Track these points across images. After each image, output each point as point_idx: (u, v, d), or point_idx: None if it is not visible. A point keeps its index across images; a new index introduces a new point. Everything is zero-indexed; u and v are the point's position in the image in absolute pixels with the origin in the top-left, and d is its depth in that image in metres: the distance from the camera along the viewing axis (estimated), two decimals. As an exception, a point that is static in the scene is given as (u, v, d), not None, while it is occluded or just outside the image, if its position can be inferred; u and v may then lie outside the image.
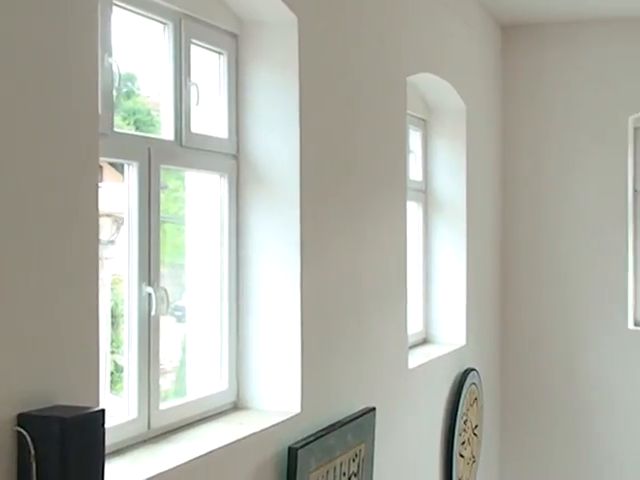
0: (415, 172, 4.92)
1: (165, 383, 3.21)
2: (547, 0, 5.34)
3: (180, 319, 3.30)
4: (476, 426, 5.12)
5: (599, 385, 5.72)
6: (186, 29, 2.81)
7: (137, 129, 2.88)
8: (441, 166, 5.08)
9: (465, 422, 4.90)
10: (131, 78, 2.80)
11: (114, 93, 2.44)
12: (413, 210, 4.89)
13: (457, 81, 4.91)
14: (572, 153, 5.76)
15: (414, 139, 4.92)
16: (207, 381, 3.05)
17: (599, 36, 5.72)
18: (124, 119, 2.78)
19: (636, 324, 5.78)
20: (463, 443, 4.89)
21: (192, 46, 2.86)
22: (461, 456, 4.85)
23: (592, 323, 5.72)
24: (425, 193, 5.08)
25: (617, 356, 5.68)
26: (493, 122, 5.75)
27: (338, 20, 3.43)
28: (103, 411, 1.94)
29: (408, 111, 4.38)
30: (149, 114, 3.03)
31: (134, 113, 2.93)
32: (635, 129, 5.80)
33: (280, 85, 3.09)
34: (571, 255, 5.76)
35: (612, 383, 5.70)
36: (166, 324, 3.23)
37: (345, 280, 3.49)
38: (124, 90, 2.66)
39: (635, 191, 5.80)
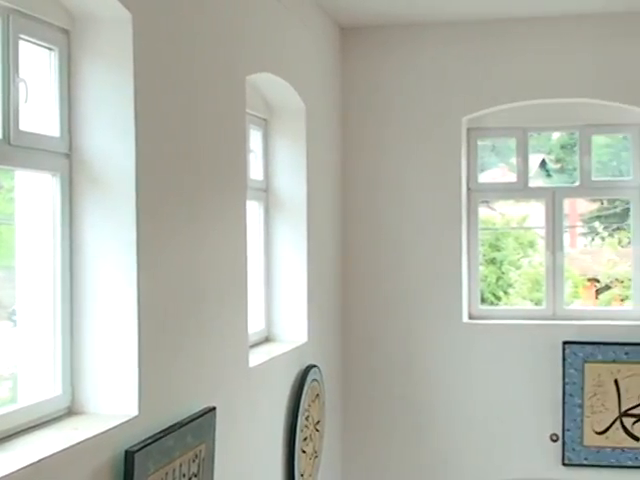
0: (256, 171, 4.94)
1: (2, 390, 3.10)
2: (385, 2, 5.47)
3: (17, 323, 3.18)
4: (318, 422, 5.20)
5: (437, 378, 5.91)
6: (14, 24, 2.71)
7: (-38, 127, 2.76)
8: (282, 165, 5.12)
9: (307, 418, 4.96)
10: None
11: None
12: (254, 209, 4.91)
13: (296, 81, 4.96)
14: (409, 153, 5.93)
15: (255, 138, 4.93)
16: (40, 387, 2.96)
17: (436, 39, 5.91)
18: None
19: (470, 317, 6.01)
20: (305, 439, 4.95)
21: (21, 42, 2.77)
22: (303, 452, 4.91)
23: (430, 318, 5.91)
24: (266, 192, 5.10)
25: (454, 349, 5.89)
26: (333, 122, 5.85)
27: (175, 18, 3.40)
28: None
29: (248, 110, 4.39)
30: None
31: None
32: (468, 129, 6.02)
33: (114, 83, 3.03)
34: (409, 252, 5.93)
35: (449, 376, 5.90)
36: (2, 329, 3.12)
37: (184, 280, 3.47)
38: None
39: (469, 189, 6.03)
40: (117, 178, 3.03)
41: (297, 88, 4.97)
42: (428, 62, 5.92)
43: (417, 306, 5.92)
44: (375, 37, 5.96)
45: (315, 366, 5.14)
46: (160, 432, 3.10)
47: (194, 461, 3.36)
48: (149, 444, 2.97)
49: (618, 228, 9.03)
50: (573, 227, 9.94)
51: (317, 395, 5.18)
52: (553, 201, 5.96)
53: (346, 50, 5.99)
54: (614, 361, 5.62)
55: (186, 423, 3.29)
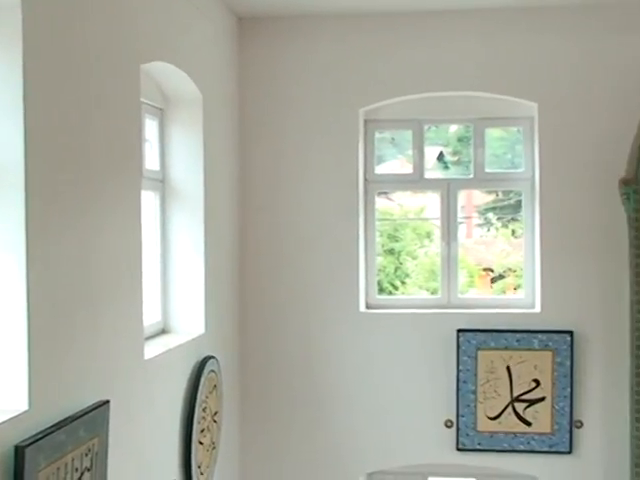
0: (152, 161, 4.89)
1: None
2: (282, -6, 5.48)
3: None
4: (215, 413, 5.18)
5: (335, 368, 5.96)
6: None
7: None
8: (178, 155, 5.07)
9: (204, 409, 4.94)
10: None
11: None
12: (150, 200, 4.85)
13: (193, 70, 4.92)
14: (307, 144, 5.96)
15: (150, 128, 4.88)
16: None
17: (333, 30, 5.94)
18: None
19: (368, 307, 6.08)
20: (203, 430, 4.93)
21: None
22: (200, 443, 4.89)
23: (327, 309, 5.96)
24: (163, 182, 5.05)
25: (351, 339, 5.95)
26: (231, 112, 5.83)
27: (66, 3, 3.33)
28: None
29: (143, 99, 4.34)
30: None
31: None
32: (366, 121, 6.08)
33: (1, 72, 2.95)
34: (307, 243, 5.96)
35: (347, 365, 5.96)
36: None
37: (77, 272, 3.40)
38: None
39: (366, 180, 6.09)
40: (4, 170, 2.95)
41: (193, 77, 4.93)
42: (326, 53, 5.95)
43: (315, 297, 5.96)
44: (273, 27, 5.96)
45: (213, 357, 5.12)
46: (51, 427, 3.05)
47: (87, 455, 3.31)
48: (40, 439, 2.92)
49: (513, 219, 9.25)
50: (469, 218, 10.13)
51: (215, 386, 5.17)
52: (448, 192, 6.09)
53: (244, 40, 5.97)
54: (506, 348, 5.78)
55: (78, 417, 3.24)
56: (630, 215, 5.58)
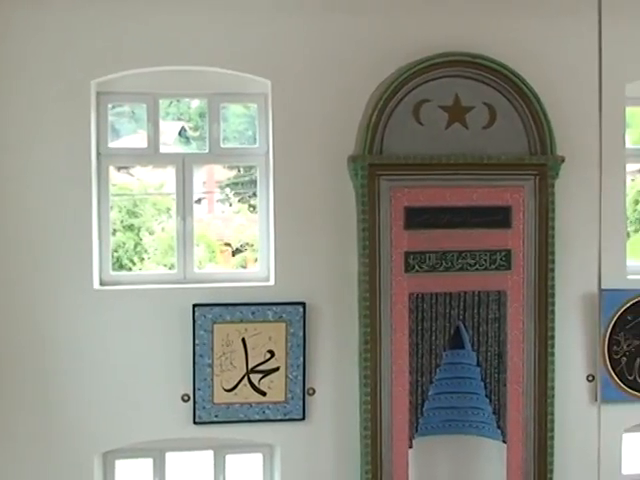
0: None
1: None
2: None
3: None
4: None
5: (68, 347, 5.80)
6: None
7: None
8: None
9: None
10: None
11: None
12: None
13: None
14: (36, 115, 5.72)
15: None
16: None
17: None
18: None
19: (102, 284, 5.96)
20: None
21: None
22: None
23: (59, 286, 5.77)
24: None
25: (85, 317, 5.81)
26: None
27: None
28: None
29: None
30: None
31: None
32: (98, 94, 5.92)
33: None
34: (35, 218, 5.73)
35: (81, 344, 5.81)
36: None
37: None
38: None
39: (99, 154, 5.95)
40: None
41: None
42: (57, 22, 5.70)
43: (45, 274, 5.75)
44: (-2, -7, 5.65)
45: None
46: None
47: None
48: None
49: (255, 194, 9.45)
50: (211, 193, 10.20)
51: None
52: (183, 167, 6.07)
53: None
54: (242, 321, 5.87)
55: None
56: (358, 191, 5.84)
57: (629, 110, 6.46)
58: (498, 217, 5.92)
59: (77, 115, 5.77)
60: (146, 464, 6.14)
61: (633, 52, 6.20)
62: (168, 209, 9.08)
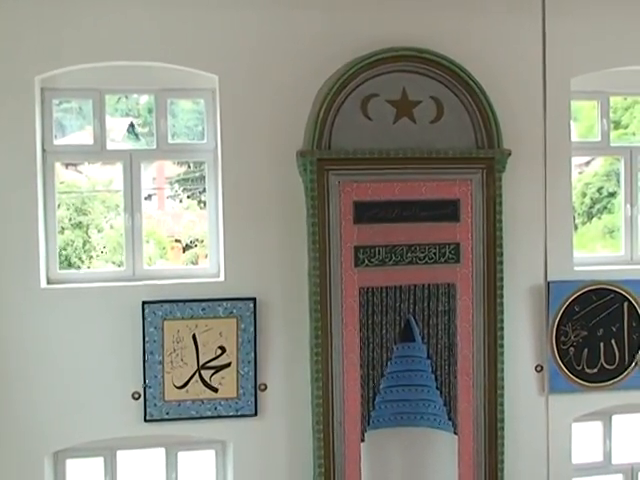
0: None
1: None
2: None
3: None
4: None
5: (14, 347, 5.71)
6: None
7: None
8: None
9: None
10: None
11: None
12: None
13: None
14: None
15: None
16: None
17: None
18: None
19: (49, 283, 5.89)
20: None
21: None
22: None
23: (5, 285, 5.69)
24: None
25: (31, 316, 5.73)
26: None
27: None
28: None
29: None
30: None
31: None
32: (43, 89, 5.84)
33: None
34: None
35: (28, 344, 5.73)
36: None
37: None
38: None
39: (44, 151, 5.87)
40: None
41: None
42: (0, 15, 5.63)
43: (-11, 274, 5.68)
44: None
45: None
46: None
47: None
48: None
49: (204, 190, 9.43)
50: (161, 189, 10.14)
51: None
52: (131, 164, 6.02)
53: None
54: (192, 317, 5.84)
55: None
56: (307, 186, 5.84)
57: (575, 104, 6.55)
58: (447, 211, 5.97)
59: (21, 111, 5.68)
60: (97, 463, 6.08)
61: (578, 47, 6.28)
62: (117, 206, 9.00)
